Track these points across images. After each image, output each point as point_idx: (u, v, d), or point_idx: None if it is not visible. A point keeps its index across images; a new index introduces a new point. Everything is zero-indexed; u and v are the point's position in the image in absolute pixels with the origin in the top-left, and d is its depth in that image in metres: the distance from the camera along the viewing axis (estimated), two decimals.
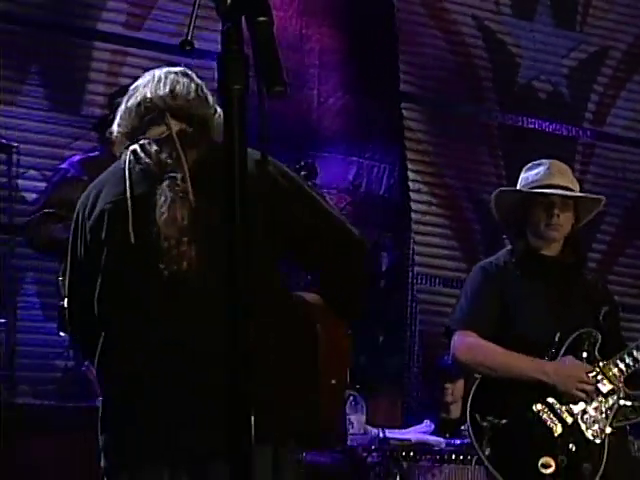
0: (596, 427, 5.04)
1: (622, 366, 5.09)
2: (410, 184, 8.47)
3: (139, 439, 3.87)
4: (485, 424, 5.13)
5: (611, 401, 5.08)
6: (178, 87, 4.02)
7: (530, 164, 5.40)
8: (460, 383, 7.05)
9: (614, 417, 5.06)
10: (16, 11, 7.54)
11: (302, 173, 6.43)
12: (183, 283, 3.83)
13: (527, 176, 5.32)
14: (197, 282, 3.84)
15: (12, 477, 5.88)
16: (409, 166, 8.51)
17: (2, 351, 7.02)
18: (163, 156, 3.88)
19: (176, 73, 4.07)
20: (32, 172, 7.21)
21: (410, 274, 8.42)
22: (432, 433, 6.80)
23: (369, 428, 6.64)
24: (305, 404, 3.90)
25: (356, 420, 6.64)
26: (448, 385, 7.13)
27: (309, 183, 4.76)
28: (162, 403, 3.84)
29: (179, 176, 3.86)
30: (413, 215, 8.48)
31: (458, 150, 8.78)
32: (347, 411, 6.57)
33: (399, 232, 8.49)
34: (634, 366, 5.12)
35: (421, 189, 8.55)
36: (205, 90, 4.09)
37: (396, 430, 6.82)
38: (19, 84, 7.50)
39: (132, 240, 3.81)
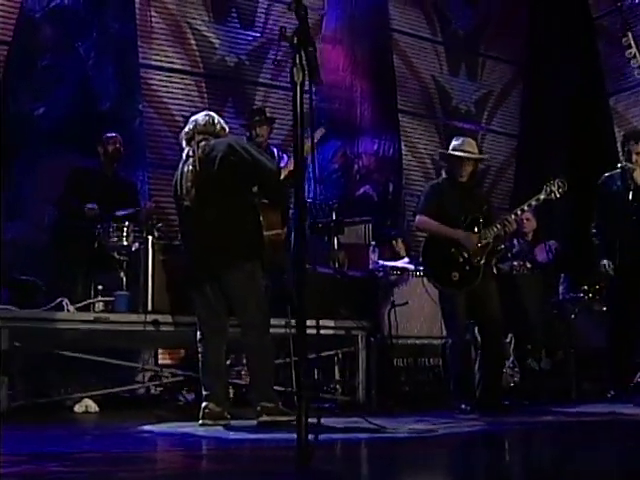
0: (478, 259, 5.54)
1: (492, 231, 5.57)
2: (402, 152, 9.46)
3: (194, 267, 4.85)
4: (429, 257, 5.74)
5: (486, 248, 5.57)
6: (200, 120, 4.83)
7: (455, 137, 5.85)
8: (399, 240, 7.67)
9: (487, 255, 5.58)
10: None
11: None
12: (190, 208, 4.71)
13: (454, 144, 5.74)
14: (195, 207, 4.69)
15: None
16: (402, 145, 9.47)
17: None
18: (190, 152, 4.73)
19: (204, 114, 4.87)
20: None
21: (403, 191, 9.35)
22: (408, 263, 7.03)
23: (379, 261, 7.01)
24: (260, 241, 4.66)
25: (374, 257, 7.00)
26: (393, 242, 7.67)
27: (254, 147, 4.89)
28: (197, 250, 4.77)
29: (192, 159, 4.72)
30: (404, 166, 9.46)
31: (425, 134, 9.71)
32: (370, 254, 6.94)
33: (397, 173, 9.43)
34: (497, 231, 5.55)
35: (407, 155, 9.53)
36: (216, 119, 4.84)
37: (391, 261, 7.12)
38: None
39: (178, 192, 4.80)
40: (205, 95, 8.26)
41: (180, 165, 4.82)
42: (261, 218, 4.68)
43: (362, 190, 9.34)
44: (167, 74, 8.12)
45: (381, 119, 9.45)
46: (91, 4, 7.79)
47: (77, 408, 5.69)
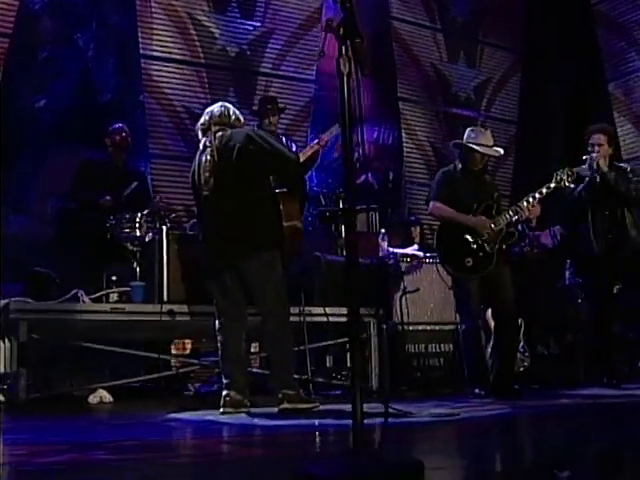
0: (491, 245, 5.60)
1: (504, 217, 5.66)
2: (403, 139, 9.49)
3: (211, 257, 4.82)
4: (443, 243, 5.75)
5: (499, 234, 5.62)
6: (215, 112, 4.82)
7: (471, 127, 5.94)
8: (416, 228, 7.86)
9: (500, 241, 5.62)
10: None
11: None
12: (209, 197, 4.72)
13: (470, 134, 5.80)
14: (213, 197, 4.70)
15: None
16: (402, 132, 9.50)
17: None
18: (207, 142, 4.75)
19: (219, 106, 4.87)
20: None
21: (403, 180, 9.41)
22: (418, 250, 7.21)
23: (389, 248, 7.03)
24: (279, 231, 4.72)
25: (384, 244, 6.99)
26: (412, 228, 7.89)
27: (271, 136, 5.00)
28: (215, 240, 4.76)
29: (209, 149, 4.74)
30: (404, 153, 9.48)
31: (425, 121, 9.73)
32: (380, 241, 6.93)
33: (398, 161, 9.45)
34: (510, 218, 5.64)
35: (407, 142, 9.55)
36: (231, 110, 4.84)
37: (401, 248, 7.23)
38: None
39: (196, 182, 4.81)
40: (206, 85, 8.23)
41: (197, 155, 4.82)
42: (281, 207, 4.72)
43: (362, 178, 9.20)
44: (168, 65, 8.08)
45: (381, 107, 9.44)
46: None
47: (91, 399, 5.73)
